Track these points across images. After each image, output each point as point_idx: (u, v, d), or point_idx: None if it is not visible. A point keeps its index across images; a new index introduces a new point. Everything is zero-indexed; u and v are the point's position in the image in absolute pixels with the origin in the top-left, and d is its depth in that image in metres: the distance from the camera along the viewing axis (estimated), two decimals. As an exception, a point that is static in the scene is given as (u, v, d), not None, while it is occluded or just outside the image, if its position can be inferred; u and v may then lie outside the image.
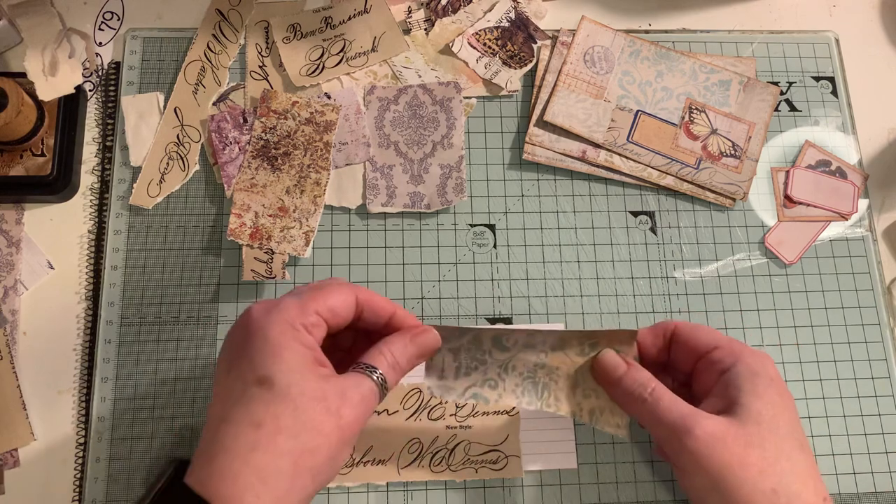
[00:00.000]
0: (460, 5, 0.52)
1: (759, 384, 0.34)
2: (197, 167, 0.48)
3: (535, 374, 0.39)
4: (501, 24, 0.52)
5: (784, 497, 0.32)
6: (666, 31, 0.53)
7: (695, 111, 0.50)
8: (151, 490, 0.38)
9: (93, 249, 0.47)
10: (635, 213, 0.49)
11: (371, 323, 0.36)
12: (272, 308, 0.33)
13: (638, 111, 0.50)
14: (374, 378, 0.33)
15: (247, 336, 0.32)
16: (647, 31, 0.53)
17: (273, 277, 0.45)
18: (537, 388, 0.39)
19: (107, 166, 0.48)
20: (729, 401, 0.34)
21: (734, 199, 0.49)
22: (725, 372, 0.35)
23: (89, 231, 0.47)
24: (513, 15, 0.52)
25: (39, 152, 0.46)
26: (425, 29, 0.52)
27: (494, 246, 0.48)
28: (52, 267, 0.46)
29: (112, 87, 0.50)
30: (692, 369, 0.38)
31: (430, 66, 0.51)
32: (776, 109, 0.51)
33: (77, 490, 0.42)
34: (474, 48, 0.51)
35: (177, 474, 0.37)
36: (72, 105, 0.47)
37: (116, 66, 0.50)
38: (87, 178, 0.48)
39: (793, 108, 0.52)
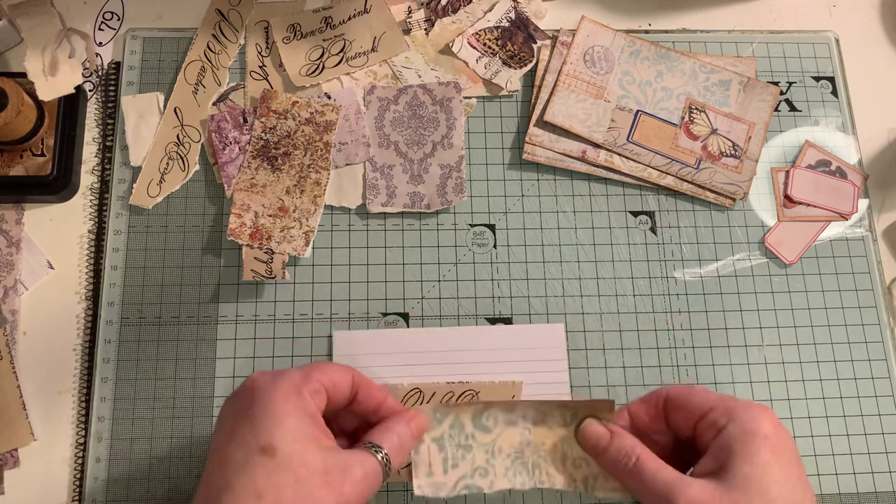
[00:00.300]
0: (460, 5, 0.52)
1: (751, 444, 0.33)
2: (197, 167, 0.48)
3: (523, 454, 0.39)
4: (501, 24, 0.52)
5: None
6: (666, 31, 0.53)
7: (695, 111, 0.50)
8: None
9: (93, 249, 0.47)
10: (635, 213, 0.49)
11: (363, 406, 0.36)
12: (276, 376, 0.33)
13: (638, 111, 0.50)
14: (379, 458, 0.33)
15: (250, 402, 0.32)
16: (647, 31, 0.53)
17: (273, 277, 0.45)
18: (528, 468, 0.39)
19: (107, 166, 0.48)
20: (720, 463, 0.34)
21: (734, 199, 0.49)
22: (719, 432, 0.34)
23: (89, 231, 0.47)
24: (513, 15, 0.52)
25: (39, 152, 0.46)
26: (425, 29, 0.52)
27: (494, 246, 0.48)
28: (52, 267, 0.46)
29: (112, 87, 0.50)
30: (693, 433, 0.36)
31: (430, 66, 0.51)
32: (776, 109, 0.51)
33: (77, 490, 0.42)
34: (474, 48, 0.51)
35: None
36: (72, 105, 0.47)
37: (116, 66, 0.50)
38: (87, 178, 0.48)
39: (793, 108, 0.52)
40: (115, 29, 0.51)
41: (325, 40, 0.51)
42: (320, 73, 0.50)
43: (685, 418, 0.36)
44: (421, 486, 0.38)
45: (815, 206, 0.49)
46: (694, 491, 0.33)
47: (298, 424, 0.32)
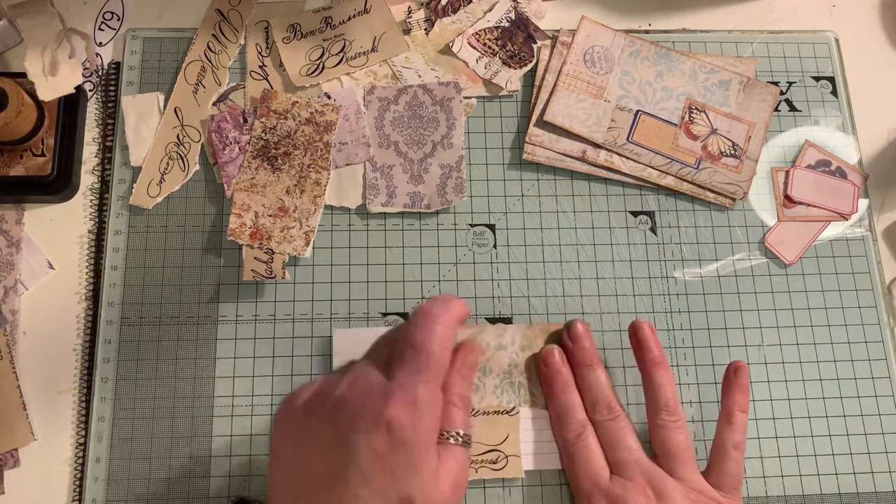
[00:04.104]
0: (460, 5, 0.52)
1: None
2: (197, 167, 0.48)
3: (511, 374, 0.43)
4: (501, 24, 0.52)
5: None
6: (666, 31, 0.53)
7: (695, 111, 0.50)
8: None
9: (93, 249, 0.47)
10: (635, 213, 0.49)
11: None
12: (416, 417, 0.31)
13: (638, 111, 0.50)
14: (463, 444, 0.34)
15: (391, 448, 0.30)
16: (647, 31, 0.53)
17: (273, 277, 0.45)
18: (514, 387, 0.43)
19: (107, 166, 0.48)
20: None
21: (734, 199, 0.49)
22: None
23: (89, 231, 0.47)
24: (513, 15, 0.52)
25: (39, 152, 0.46)
26: (425, 29, 0.52)
27: (494, 246, 0.48)
28: (52, 267, 0.46)
29: (112, 87, 0.50)
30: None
31: (430, 66, 0.51)
32: (776, 109, 0.51)
33: (77, 490, 0.42)
34: (474, 48, 0.51)
35: None
36: (72, 105, 0.47)
37: (116, 66, 0.50)
38: (87, 178, 0.48)
39: (793, 108, 0.52)
40: (115, 29, 0.51)
41: (325, 40, 0.51)
42: (320, 73, 0.50)
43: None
44: None
45: (815, 206, 0.49)
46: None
47: (430, 466, 0.31)
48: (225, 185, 0.47)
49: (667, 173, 0.49)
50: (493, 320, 0.46)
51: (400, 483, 0.30)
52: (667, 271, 0.48)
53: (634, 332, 0.42)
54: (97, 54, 0.50)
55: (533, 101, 0.50)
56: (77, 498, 0.42)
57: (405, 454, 0.30)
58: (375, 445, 0.30)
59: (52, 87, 0.46)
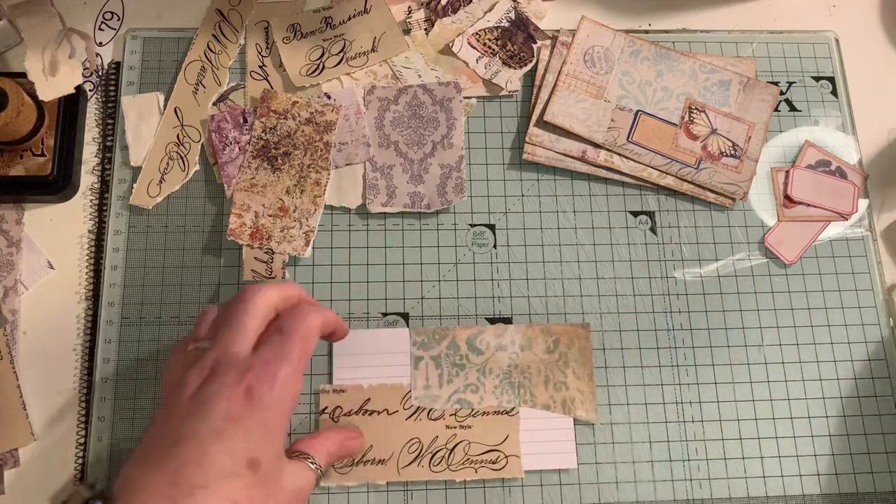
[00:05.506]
0: (460, 5, 0.52)
1: None
2: (197, 167, 0.48)
3: (511, 375, 0.44)
4: (501, 24, 0.52)
5: None
6: (666, 31, 0.53)
7: (695, 111, 0.50)
8: None
9: (93, 249, 0.47)
10: (635, 213, 0.49)
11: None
12: (277, 388, 0.33)
13: (638, 111, 0.50)
14: (316, 470, 0.37)
15: (247, 409, 0.32)
16: (647, 31, 0.53)
17: (273, 277, 0.45)
18: (514, 388, 0.44)
19: (107, 166, 0.48)
20: None
21: (734, 199, 0.49)
22: None
23: (89, 231, 0.47)
24: (513, 15, 0.52)
25: (39, 152, 0.46)
26: (425, 29, 0.52)
27: (494, 246, 0.48)
28: (52, 267, 0.46)
29: (112, 87, 0.50)
30: None
31: (430, 66, 0.51)
32: (776, 109, 0.51)
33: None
34: (474, 48, 0.51)
35: None
36: (72, 105, 0.47)
37: (116, 66, 0.50)
38: (87, 178, 0.48)
39: (793, 108, 0.52)
40: (115, 29, 0.51)
41: (325, 40, 0.51)
42: (320, 73, 0.50)
43: None
44: (418, 396, 0.43)
45: (815, 206, 0.49)
46: None
47: (281, 442, 0.34)
48: (225, 185, 0.47)
49: (667, 173, 0.49)
50: (493, 320, 0.46)
51: (251, 444, 0.32)
52: (667, 271, 0.48)
53: None
54: (97, 54, 0.50)
55: (533, 101, 0.50)
56: (77, 498, 0.42)
57: (261, 418, 0.32)
58: (233, 407, 0.32)
59: (52, 87, 0.46)
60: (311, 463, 0.37)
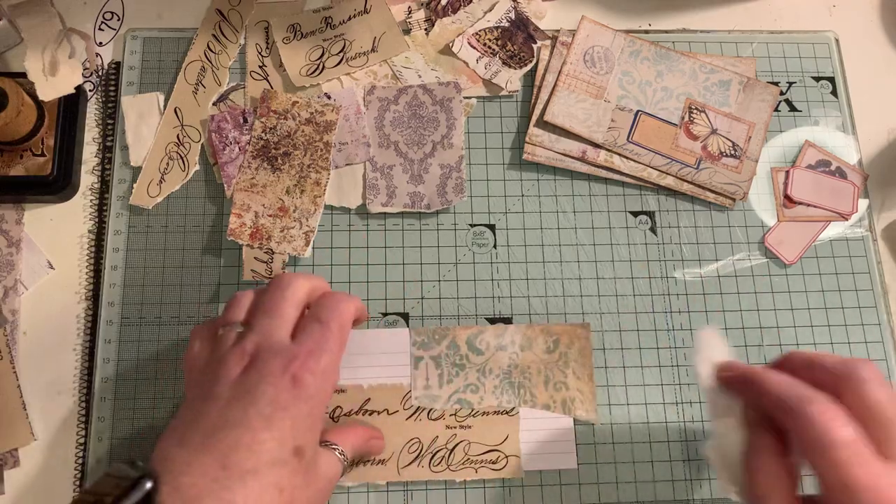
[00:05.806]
0: (460, 5, 0.52)
1: None
2: (197, 167, 0.48)
3: (511, 375, 0.44)
4: (501, 24, 0.52)
5: None
6: (666, 31, 0.53)
7: (695, 111, 0.50)
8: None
9: (93, 249, 0.47)
10: (635, 213, 0.49)
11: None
12: (320, 379, 0.34)
13: (638, 111, 0.50)
14: (343, 460, 0.38)
15: (294, 398, 0.33)
16: (647, 31, 0.53)
17: (273, 278, 0.45)
18: (514, 388, 0.44)
19: (107, 166, 0.48)
20: None
21: (734, 199, 0.49)
22: None
23: (89, 231, 0.47)
24: (513, 15, 0.52)
25: (39, 152, 0.46)
26: (425, 29, 0.52)
27: (494, 246, 0.48)
28: (52, 267, 0.46)
29: (112, 87, 0.50)
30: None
31: (430, 66, 0.51)
32: (776, 109, 0.51)
33: (77, 490, 0.42)
34: (474, 48, 0.51)
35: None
36: (72, 105, 0.47)
37: (116, 66, 0.50)
38: (87, 178, 0.48)
39: (793, 108, 0.52)
40: (115, 29, 0.51)
41: (325, 40, 0.51)
42: (320, 73, 0.50)
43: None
44: (418, 396, 0.44)
45: (815, 206, 0.49)
46: None
47: (319, 429, 0.35)
48: (225, 185, 0.47)
49: (667, 173, 0.49)
50: (493, 320, 0.46)
51: (297, 432, 0.33)
52: (667, 271, 0.48)
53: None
54: (97, 54, 0.50)
55: (533, 101, 0.50)
56: (77, 498, 0.42)
57: (306, 407, 0.33)
58: (280, 394, 0.33)
59: (52, 87, 0.46)
60: (340, 454, 0.38)
